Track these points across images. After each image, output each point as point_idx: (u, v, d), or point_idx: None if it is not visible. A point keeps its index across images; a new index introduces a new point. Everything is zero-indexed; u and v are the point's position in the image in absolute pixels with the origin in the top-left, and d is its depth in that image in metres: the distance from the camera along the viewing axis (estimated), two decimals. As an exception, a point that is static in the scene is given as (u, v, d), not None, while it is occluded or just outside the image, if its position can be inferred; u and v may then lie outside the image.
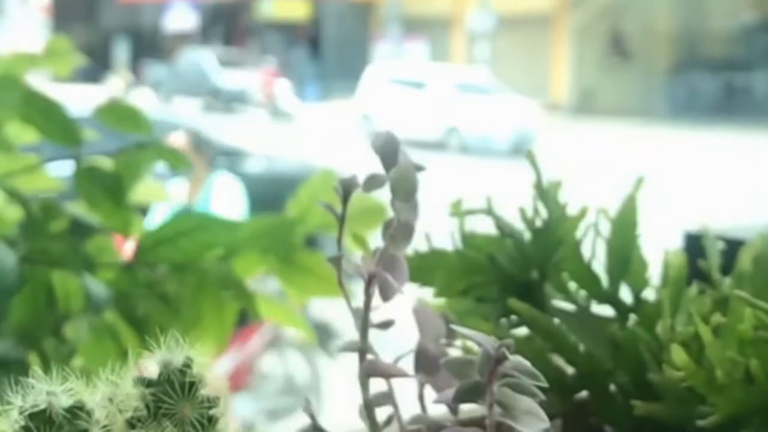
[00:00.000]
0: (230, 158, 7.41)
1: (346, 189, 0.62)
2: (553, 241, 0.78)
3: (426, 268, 0.79)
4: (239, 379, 4.60)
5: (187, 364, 0.50)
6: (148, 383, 0.49)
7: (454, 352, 0.71)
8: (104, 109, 1.30)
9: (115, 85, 19.78)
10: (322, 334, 4.51)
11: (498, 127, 16.77)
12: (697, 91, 21.76)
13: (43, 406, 0.48)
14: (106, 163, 1.27)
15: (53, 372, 0.49)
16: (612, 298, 0.78)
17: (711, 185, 12.28)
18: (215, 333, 1.25)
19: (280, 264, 1.26)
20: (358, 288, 0.63)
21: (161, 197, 1.47)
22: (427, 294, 0.80)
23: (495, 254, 0.78)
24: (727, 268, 0.78)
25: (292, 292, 1.28)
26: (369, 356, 0.62)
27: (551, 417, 0.54)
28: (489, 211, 0.80)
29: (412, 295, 0.75)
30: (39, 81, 1.39)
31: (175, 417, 0.49)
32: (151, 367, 0.50)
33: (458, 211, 0.80)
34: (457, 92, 18.11)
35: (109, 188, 1.23)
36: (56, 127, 1.25)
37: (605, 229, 0.78)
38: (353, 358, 0.62)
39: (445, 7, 24.52)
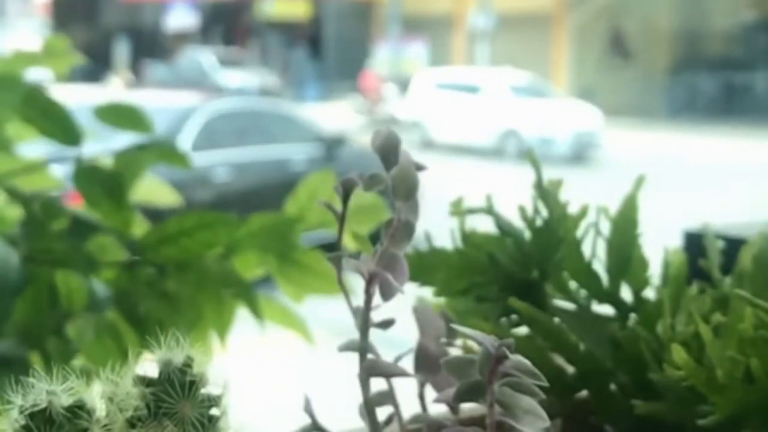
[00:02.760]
0: (329, 144, 8.49)
1: (347, 189, 0.62)
2: (554, 240, 0.78)
3: (426, 267, 0.79)
4: None
5: (188, 364, 0.50)
6: (148, 382, 0.49)
7: (455, 352, 0.71)
8: (105, 109, 1.30)
9: (115, 85, 19.77)
10: None
11: (558, 132, 15.73)
12: (697, 91, 21.76)
13: (43, 406, 0.48)
14: (106, 163, 1.27)
15: (54, 371, 0.49)
16: (612, 298, 0.78)
17: (711, 184, 12.28)
18: (216, 331, 1.25)
19: (279, 262, 1.26)
20: (356, 284, 0.63)
21: (163, 197, 1.47)
22: (428, 293, 0.80)
23: (495, 253, 0.78)
24: (727, 267, 0.78)
25: (290, 290, 1.28)
26: (369, 355, 0.62)
27: (551, 416, 0.54)
28: (489, 210, 0.80)
29: (412, 294, 0.75)
30: (41, 80, 1.39)
31: (176, 416, 0.49)
32: (151, 366, 0.50)
33: (459, 210, 0.80)
34: (514, 96, 17.04)
35: (109, 188, 1.23)
36: (56, 126, 1.25)
37: (605, 228, 0.78)
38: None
39: (446, 7, 24.52)
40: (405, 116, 17.92)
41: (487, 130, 16.22)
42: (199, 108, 8.14)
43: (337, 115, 19.10)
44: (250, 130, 8.35)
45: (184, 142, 7.64)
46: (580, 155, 15.16)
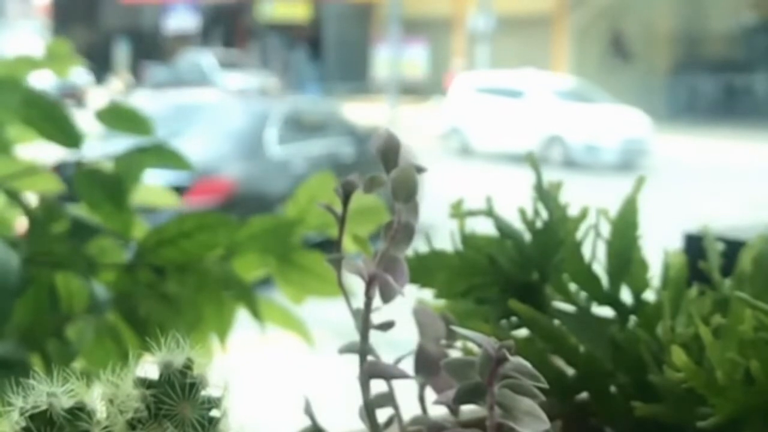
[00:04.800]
0: (366, 138, 9.25)
1: (347, 190, 0.62)
2: (554, 243, 0.78)
3: (426, 270, 0.79)
4: None
5: (188, 365, 0.50)
6: (148, 384, 0.50)
7: (455, 354, 0.71)
8: (105, 111, 1.30)
9: (115, 86, 19.78)
10: None
11: (605, 139, 14.99)
12: (697, 92, 21.78)
13: (43, 407, 0.48)
14: (106, 165, 1.27)
15: (54, 373, 0.49)
16: (612, 300, 0.78)
17: (711, 185, 12.27)
18: (216, 333, 1.25)
19: (279, 264, 1.26)
20: (355, 285, 0.64)
21: (163, 199, 1.47)
22: (428, 295, 0.80)
23: (495, 255, 0.78)
24: (727, 269, 0.78)
25: (290, 291, 1.28)
26: (369, 357, 0.62)
27: (551, 418, 0.54)
28: (489, 212, 0.80)
29: (412, 296, 0.75)
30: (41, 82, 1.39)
31: (176, 418, 0.49)
32: (151, 368, 0.50)
33: (458, 212, 0.80)
34: (558, 101, 16.14)
35: (109, 190, 1.23)
36: (57, 128, 1.25)
37: (606, 230, 0.78)
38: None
39: (446, 9, 24.53)
40: (443, 122, 17.17)
41: (530, 136, 15.19)
42: (274, 108, 9.23)
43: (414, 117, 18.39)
44: (310, 127, 9.37)
45: (271, 137, 8.67)
46: (628, 163, 14.44)
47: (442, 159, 14.11)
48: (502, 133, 15.59)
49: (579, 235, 0.78)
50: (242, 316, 1.26)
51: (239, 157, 8.21)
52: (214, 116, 8.79)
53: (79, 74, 20.72)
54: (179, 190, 8.49)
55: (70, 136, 1.25)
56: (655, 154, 14.93)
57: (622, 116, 15.86)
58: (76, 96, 17.53)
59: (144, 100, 10.00)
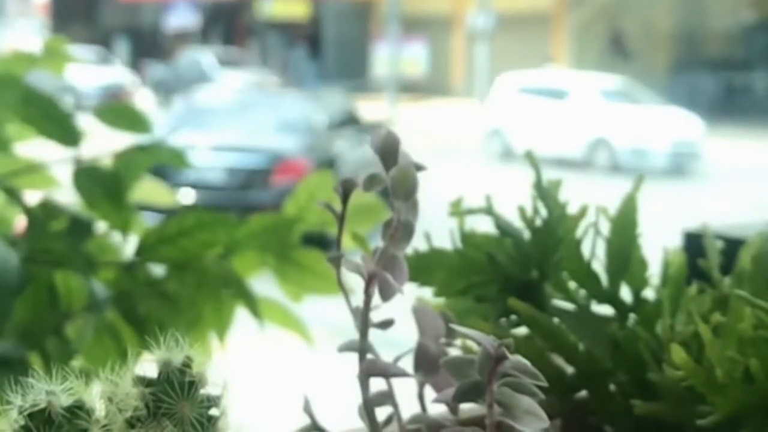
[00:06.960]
0: (367, 131, 10.38)
1: (347, 189, 0.62)
2: (553, 241, 0.78)
3: (426, 268, 0.79)
4: None
5: (187, 364, 0.50)
6: (147, 383, 0.49)
7: (454, 352, 0.71)
8: (104, 109, 1.30)
9: None
10: None
11: (654, 142, 14.10)
12: (697, 91, 21.76)
13: (42, 406, 0.48)
14: (105, 163, 1.27)
15: (53, 371, 0.49)
16: (612, 298, 0.78)
17: (710, 185, 12.24)
18: (215, 331, 1.25)
19: (278, 262, 1.26)
20: (355, 283, 0.63)
21: (163, 198, 1.47)
22: (427, 293, 0.80)
23: (495, 254, 0.78)
24: (726, 267, 0.78)
25: (289, 289, 1.28)
26: (369, 356, 0.62)
27: (551, 416, 0.54)
28: (488, 211, 0.80)
29: (411, 294, 0.75)
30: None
31: (175, 416, 0.49)
32: (150, 366, 0.50)
33: (458, 211, 0.80)
34: (604, 102, 15.23)
35: (108, 188, 1.23)
36: (56, 126, 1.25)
37: (605, 228, 0.78)
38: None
39: (445, 7, 24.52)
40: (484, 124, 16.27)
41: (575, 139, 14.51)
42: (314, 102, 10.64)
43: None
44: (338, 119, 10.54)
45: (322, 126, 9.95)
46: (679, 168, 13.69)
47: (485, 163, 13.88)
48: (546, 136, 14.54)
49: (578, 233, 0.78)
50: (241, 314, 1.26)
51: (305, 143, 9.40)
52: (269, 109, 10.03)
53: (125, 74, 20.73)
54: (265, 172, 8.97)
55: (68, 134, 1.25)
56: (709, 159, 14.15)
57: (672, 118, 15.04)
58: (121, 96, 17.33)
59: (203, 97, 10.92)
